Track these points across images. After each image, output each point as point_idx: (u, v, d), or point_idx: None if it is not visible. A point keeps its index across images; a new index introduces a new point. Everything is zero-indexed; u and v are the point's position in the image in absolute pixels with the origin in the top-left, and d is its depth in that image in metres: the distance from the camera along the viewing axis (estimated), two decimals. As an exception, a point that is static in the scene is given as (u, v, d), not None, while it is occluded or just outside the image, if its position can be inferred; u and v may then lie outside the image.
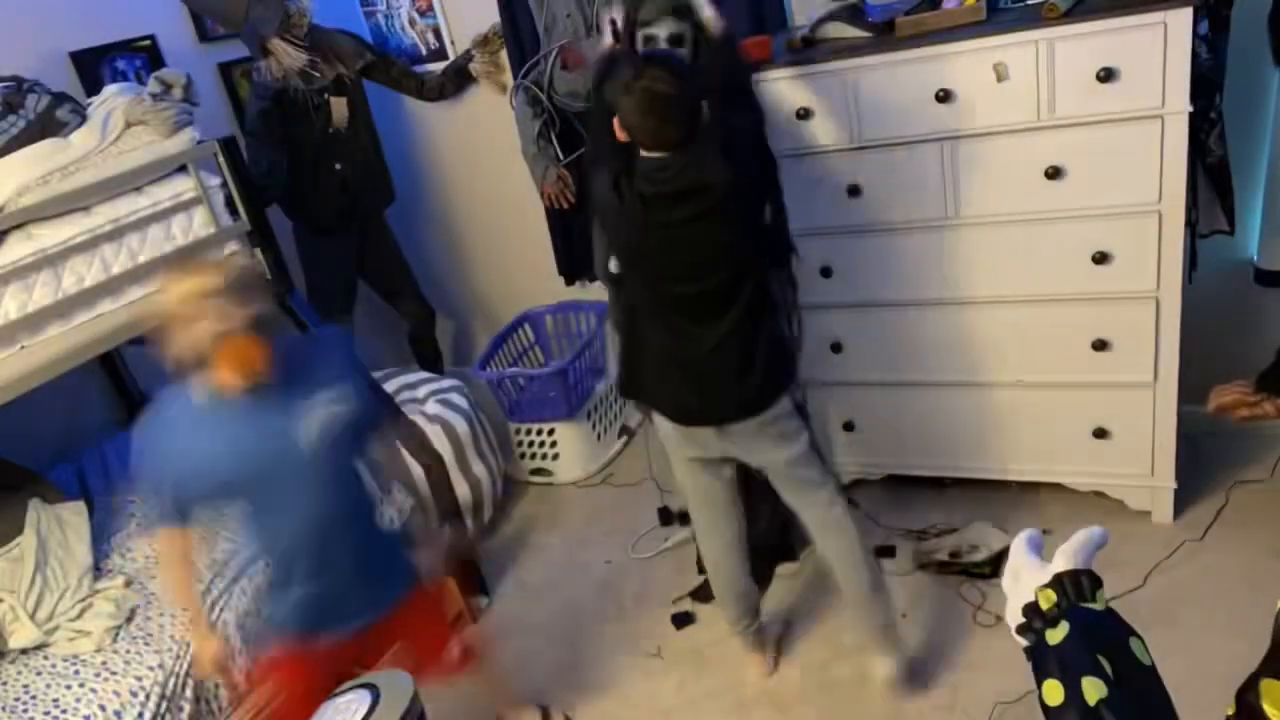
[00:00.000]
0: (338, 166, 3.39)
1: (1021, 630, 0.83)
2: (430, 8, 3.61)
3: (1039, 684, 0.78)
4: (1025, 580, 0.85)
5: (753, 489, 2.77)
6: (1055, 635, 0.78)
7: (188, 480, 1.78)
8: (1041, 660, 0.78)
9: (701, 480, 2.31)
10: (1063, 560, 0.83)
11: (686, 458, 2.28)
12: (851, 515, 2.27)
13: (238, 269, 1.75)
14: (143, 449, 1.81)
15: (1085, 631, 0.77)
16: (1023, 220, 2.45)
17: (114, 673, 2.20)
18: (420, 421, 3.06)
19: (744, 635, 2.48)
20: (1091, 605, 0.80)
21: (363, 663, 2.04)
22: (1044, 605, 0.81)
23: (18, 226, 2.34)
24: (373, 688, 1.38)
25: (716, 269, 2.01)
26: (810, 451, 2.21)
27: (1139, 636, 0.77)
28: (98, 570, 2.53)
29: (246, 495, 1.82)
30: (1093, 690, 0.72)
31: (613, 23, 2.31)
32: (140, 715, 2.13)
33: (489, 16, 3.45)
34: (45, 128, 2.44)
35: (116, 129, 2.51)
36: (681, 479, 2.37)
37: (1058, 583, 0.81)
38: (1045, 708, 0.76)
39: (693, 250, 1.99)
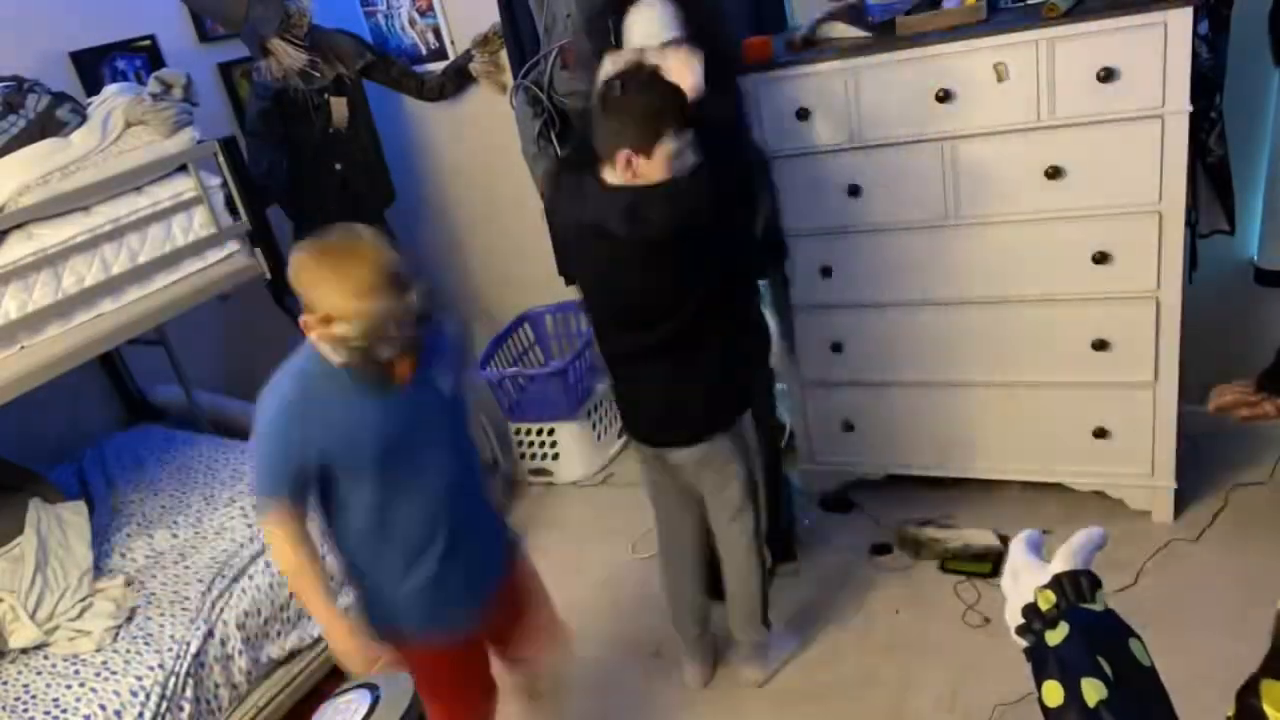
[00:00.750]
0: (338, 166, 3.39)
1: (1021, 631, 0.83)
2: (430, 7, 3.61)
3: (1038, 685, 0.77)
4: (1025, 581, 0.85)
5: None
6: (1055, 636, 0.78)
7: (332, 449, 1.66)
8: (1041, 661, 0.78)
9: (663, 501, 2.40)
10: (1062, 561, 0.83)
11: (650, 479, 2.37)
12: (752, 544, 2.34)
13: (409, 276, 1.61)
14: (278, 409, 1.66)
15: (1085, 632, 0.76)
16: (1023, 220, 2.45)
17: (114, 673, 2.20)
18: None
19: (691, 644, 2.52)
20: (1091, 606, 0.79)
21: (500, 639, 2.01)
22: (1043, 606, 0.81)
23: (18, 226, 2.34)
24: (373, 687, 1.38)
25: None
26: (742, 493, 2.27)
27: (1138, 637, 0.77)
28: (98, 570, 2.53)
29: (381, 470, 1.71)
30: (1092, 691, 0.72)
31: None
32: (140, 715, 2.12)
33: (489, 16, 3.45)
34: (45, 127, 2.44)
35: (116, 129, 2.52)
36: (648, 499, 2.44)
37: (1057, 584, 0.81)
38: (1045, 709, 0.76)
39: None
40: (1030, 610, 0.82)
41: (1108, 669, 0.73)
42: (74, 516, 2.62)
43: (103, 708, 2.11)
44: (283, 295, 2.78)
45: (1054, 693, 0.75)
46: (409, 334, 1.61)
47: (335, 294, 1.56)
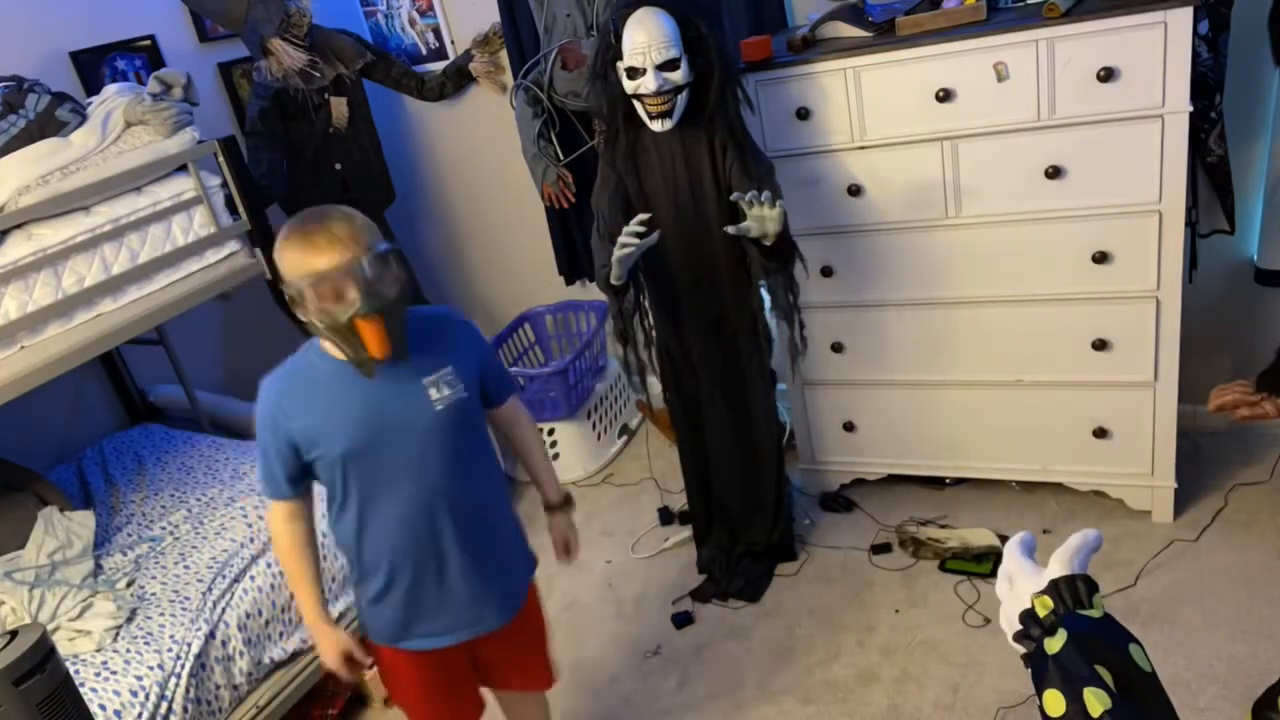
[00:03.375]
0: (337, 166, 3.39)
1: (1019, 638, 0.82)
2: (430, 7, 3.61)
3: (1039, 692, 0.77)
4: (1020, 586, 0.84)
5: (749, 492, 2.78)
6: (1054, 644, 0.77)
7: (305, 438, 1.64)
8: (1041, 669, 0.78)
9: None
10: (1058, 565, 0.83)
11: None
12: None
13: (371, 241, 1.54)
14: (260, 406, 1.67)
15: (1084, 640, 0.76)
16: (1023, 220, 2.45)
17: (114, 673, 2.20)
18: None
19: None
20: (1089, 613, 0.79)
21: (481, 666, 1.92)
22: (1041, 613, 0.80)
23: (18, 226, 2.34)
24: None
25: None
26: None
27: (1138, 642, 0.77)
28: (98, 570, 2.53)
29: (356, 464, 1.65)
30: (1096, 702, 0.71)
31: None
32: (140, 715, 2.13)
33: (489, 16, 3.45)
34: (45, 127, 2.44)
35: (116, 129, 2.52)
36: None
37: (1054, 589, 0.80)
38: (1047, 719, 0.75)
39: None
40: (1028, 617, 0.81)
41: (1109, 678, 0.72)
42: (79, 522, 2.62)
43: (103, 708, 2.11)
44: (283, 295, 2.78)
45: (1056, 702, 0.74)
46: (366, 293, 1.51)
47: (286, 260, 1.54)
